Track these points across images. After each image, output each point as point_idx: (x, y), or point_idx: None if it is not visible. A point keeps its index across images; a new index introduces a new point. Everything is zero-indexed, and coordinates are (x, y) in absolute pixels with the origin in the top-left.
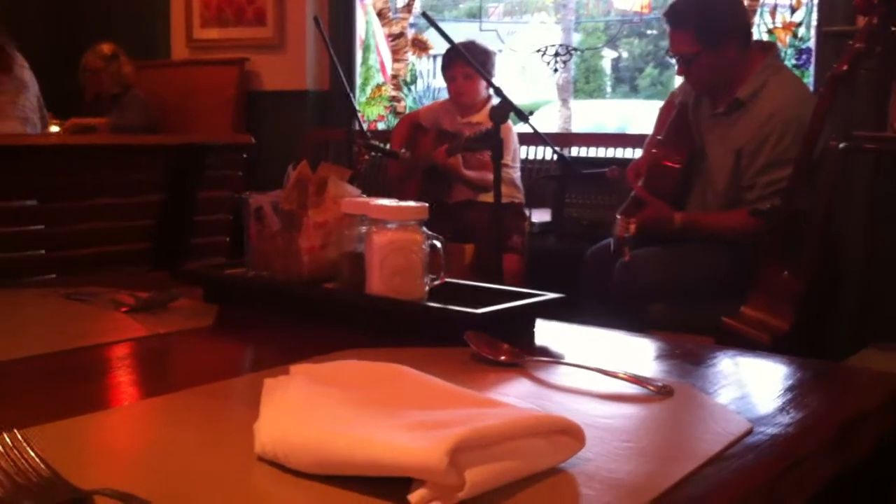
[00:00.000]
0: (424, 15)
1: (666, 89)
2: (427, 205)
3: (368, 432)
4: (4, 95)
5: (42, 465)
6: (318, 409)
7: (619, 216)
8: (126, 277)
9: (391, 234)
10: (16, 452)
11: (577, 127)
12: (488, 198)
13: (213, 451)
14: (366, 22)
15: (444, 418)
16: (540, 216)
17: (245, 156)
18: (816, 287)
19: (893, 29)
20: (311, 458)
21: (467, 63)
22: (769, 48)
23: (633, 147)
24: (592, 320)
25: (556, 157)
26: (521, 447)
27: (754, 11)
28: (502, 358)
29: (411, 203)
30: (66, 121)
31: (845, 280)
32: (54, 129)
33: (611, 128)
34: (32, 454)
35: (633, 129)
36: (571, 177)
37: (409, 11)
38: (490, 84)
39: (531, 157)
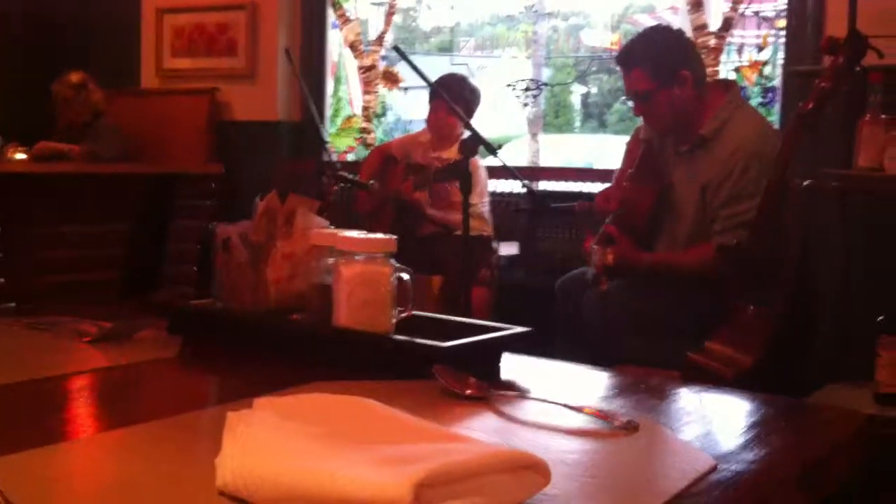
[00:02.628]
0: (396, 49)
1: (634, 124)
2: (395, 237)
3: (335, 467)
4: None
5: (1, 499)
6: (284, 444)
7: (595, 246)
8: (91, 307)
9: (359, 267)
10: None
11: (545, 161)
12: (458, 231)
13: (175, 485)
14: (338, 54)
15: (411, 453)
16: (508, 249)
17: (214, 185)
18: (783, 323)
19: (858, 69)
20: (277, 493)
21: (448, 104)
22: (730, 86)
23: (602, 181)
24: (562, 353)
25: (525, 190)
26: (487, 483)
27: (720, 50)
28: (468, 392)
29: (379, 235)
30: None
31: (814, 317)
32: (21, 156)
33: (579, 162)
34: None
35: (600, 164)
36: (541, 210)
37: (381, 44)
38: (461, 119)
39: (500, 190)
